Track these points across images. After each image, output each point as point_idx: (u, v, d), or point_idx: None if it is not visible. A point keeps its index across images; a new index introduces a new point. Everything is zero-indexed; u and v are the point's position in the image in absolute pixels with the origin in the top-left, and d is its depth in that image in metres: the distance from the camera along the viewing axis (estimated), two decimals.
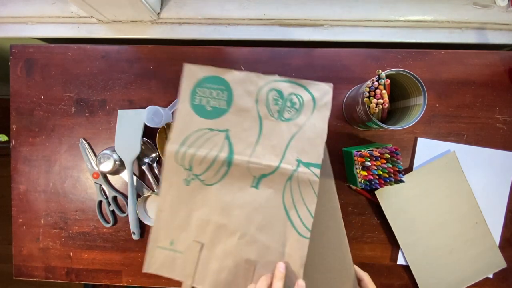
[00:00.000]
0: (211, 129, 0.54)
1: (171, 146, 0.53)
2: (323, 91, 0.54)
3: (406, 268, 0.60)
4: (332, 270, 0.50)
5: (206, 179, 0.53)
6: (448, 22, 0.62)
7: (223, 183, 0.53)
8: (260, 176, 0.52)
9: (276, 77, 0.55)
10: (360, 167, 0.52)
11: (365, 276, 0.50)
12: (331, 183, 0.52)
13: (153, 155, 0.63)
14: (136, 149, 0.60)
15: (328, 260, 0.50)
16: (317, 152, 0.52)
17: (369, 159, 0.51)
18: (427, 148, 0.60)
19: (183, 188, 0.54)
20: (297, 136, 0.53)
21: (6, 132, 0.69)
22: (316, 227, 0.49)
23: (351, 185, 0.60)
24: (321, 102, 0.54)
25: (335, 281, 0.49)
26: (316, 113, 0.54)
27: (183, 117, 0.55)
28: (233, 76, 0.55)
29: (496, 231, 0.59)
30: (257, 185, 0.52)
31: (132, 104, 0.63)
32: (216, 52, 0.62)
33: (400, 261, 0.60)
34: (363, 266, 0.52)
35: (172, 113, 0.62)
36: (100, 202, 0.63)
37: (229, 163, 0.52)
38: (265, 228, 0.51)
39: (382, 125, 0.48)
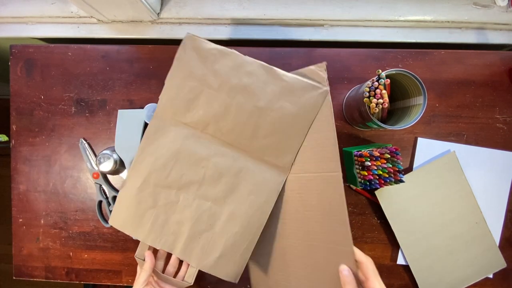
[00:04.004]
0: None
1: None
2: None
3: (406, 268, 0.60)
4: (330, 241, 0.46)
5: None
6: (448, 22, 0.62)
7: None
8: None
9: None
10: (360, 167, 0.52)
11: (366, 260, 0.42)
12: (336, 149, 0.45)
13: None
14: (136, 149, 0.59)
15: (327, 232, 0.47)
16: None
17: (369, 159, 0.51)
18: (427, 148, 0.60)
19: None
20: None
21: (6, 132, 0.69)
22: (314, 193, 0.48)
23: (351, 185, 0.60)
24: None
25: (333, 252, 0.45)
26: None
27: None
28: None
29: (496, 231, 0.59)
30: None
31: (132, 104, 0.63)
32: None
33: (400, 261, 0.60)
34: None
35: None
36: (100, 202, 0.63)
37: None
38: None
39: (382, 125, 0.48)
